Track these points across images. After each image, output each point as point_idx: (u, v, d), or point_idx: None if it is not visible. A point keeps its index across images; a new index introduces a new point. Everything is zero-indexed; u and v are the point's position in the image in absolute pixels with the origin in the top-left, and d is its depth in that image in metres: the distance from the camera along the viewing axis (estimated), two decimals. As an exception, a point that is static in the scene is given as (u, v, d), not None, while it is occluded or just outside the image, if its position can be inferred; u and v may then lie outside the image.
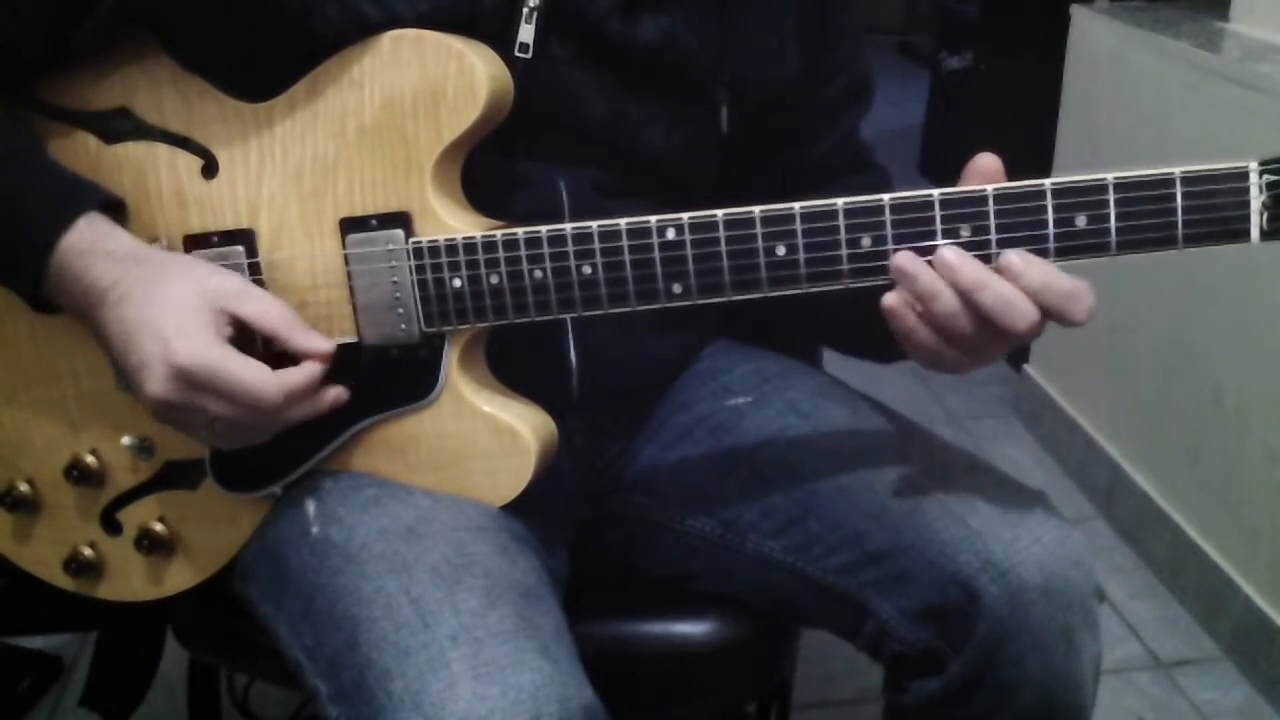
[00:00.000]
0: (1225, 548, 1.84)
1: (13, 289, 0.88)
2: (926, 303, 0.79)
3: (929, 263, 0.79)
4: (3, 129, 0.87)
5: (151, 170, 0.89)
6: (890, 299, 0.80)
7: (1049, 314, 0.78)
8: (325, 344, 0.85)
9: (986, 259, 0.79)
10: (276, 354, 0.84)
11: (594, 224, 0.83)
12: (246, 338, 0.84)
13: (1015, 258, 0.78)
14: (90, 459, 0.94)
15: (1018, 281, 0.78)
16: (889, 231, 0.80)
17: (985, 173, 0.80)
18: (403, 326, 0.87)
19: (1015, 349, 0.82)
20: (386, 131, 0.85)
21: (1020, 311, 0.77)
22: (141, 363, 0.80)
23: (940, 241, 0.79)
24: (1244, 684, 1.76)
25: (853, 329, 0.96)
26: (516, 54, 0.88)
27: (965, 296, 0.78)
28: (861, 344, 1.00)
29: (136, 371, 0.81)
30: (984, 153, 0.81)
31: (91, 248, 0.83)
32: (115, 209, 0.87)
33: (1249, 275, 1.71)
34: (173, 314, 0.81)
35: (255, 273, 0.88)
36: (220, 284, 0.83)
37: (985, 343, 0.80)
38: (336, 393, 0.87)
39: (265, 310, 0.84)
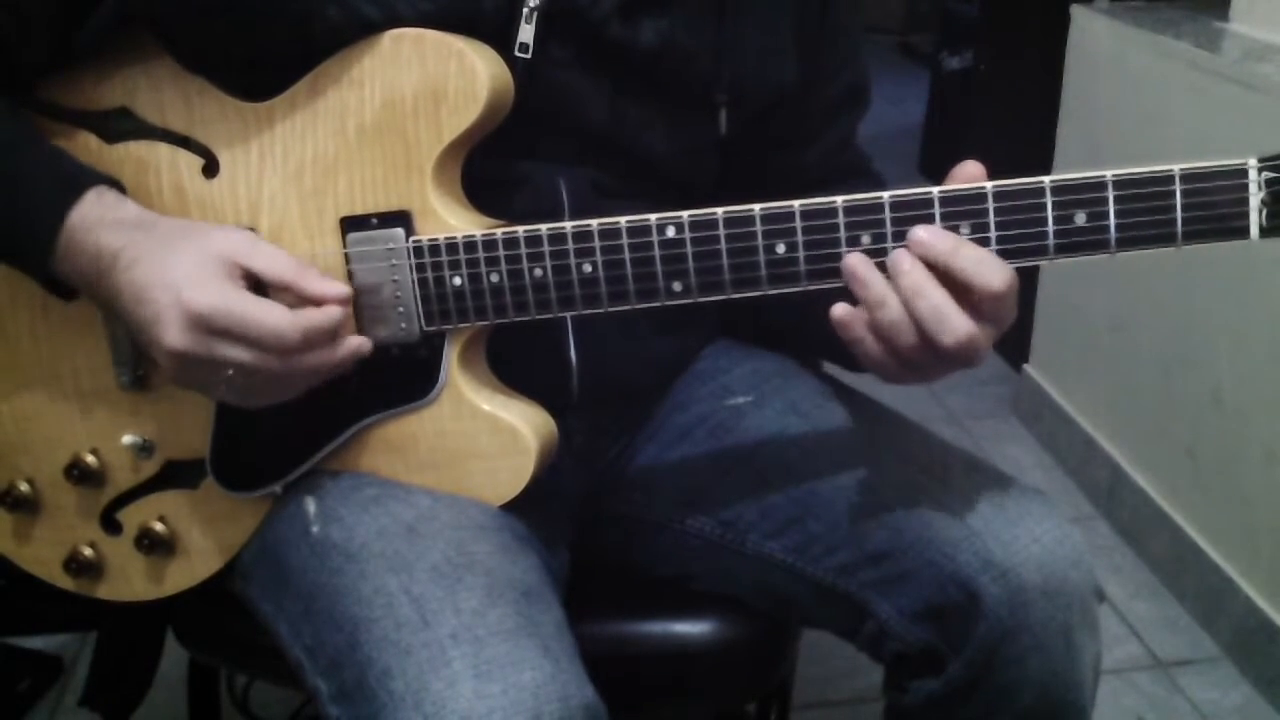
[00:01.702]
0: (1225, 548, 1.84)
1: (24, 269, 0.87)
2: (873, 310, 0.79)
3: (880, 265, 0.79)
4: (5, 119, 0.87)
5: (152, 170, 0.89)
6: (839, 310, 0.80)
7: (967, 286, 0.77)
8: (340, 287, 0.84)
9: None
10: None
11: (594, 222, 0.83)
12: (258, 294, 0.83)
13: (923, 232, 0.78)
14: (90, 458, 0.94)
15: (929, 252, 0.77)
16: (889, 229, 0.80)
17: (968, 180, 0.80)
18: (403, 325, 0.87)
19: (961, 365, 0.81)
20: (387, 131, 0.85)
21: (952, 324, 0.77)
22: (156, 315, 0.80)
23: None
24: (1244, 684, 1.75)
25: (823, 338, 0.95)
26: (516, 54, 0.88)
27: (906, 304, 0.78)
28: (833, 351, 0.99)
29: (151, 326, 0.80)
30: (969, 160, 0.81)
31: (100, 219, 0.83)
32: (119, 192, 0.87)
33: (1249, 275, 1.71)
34: (184, 268, 0.80)
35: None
36: (229, 239, 0.83)
37: (927, 357, 0.80)
38: (358, 342, 0.85)
39: (275, 261, 0.83)
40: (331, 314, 0.83)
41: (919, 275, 0.78)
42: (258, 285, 0.83)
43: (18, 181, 0.84)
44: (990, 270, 0.77)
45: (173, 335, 0.79)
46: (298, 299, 0.83)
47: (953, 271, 0.77)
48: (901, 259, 0.78)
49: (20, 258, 0.87)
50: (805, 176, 1.03)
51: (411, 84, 0.84)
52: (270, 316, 0.80)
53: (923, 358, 0.79)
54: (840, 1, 1.00)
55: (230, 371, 0.81)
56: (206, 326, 0.79)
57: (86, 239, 0.83)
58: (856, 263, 0.79)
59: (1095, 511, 2.19)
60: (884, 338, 0.79)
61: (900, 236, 0.79)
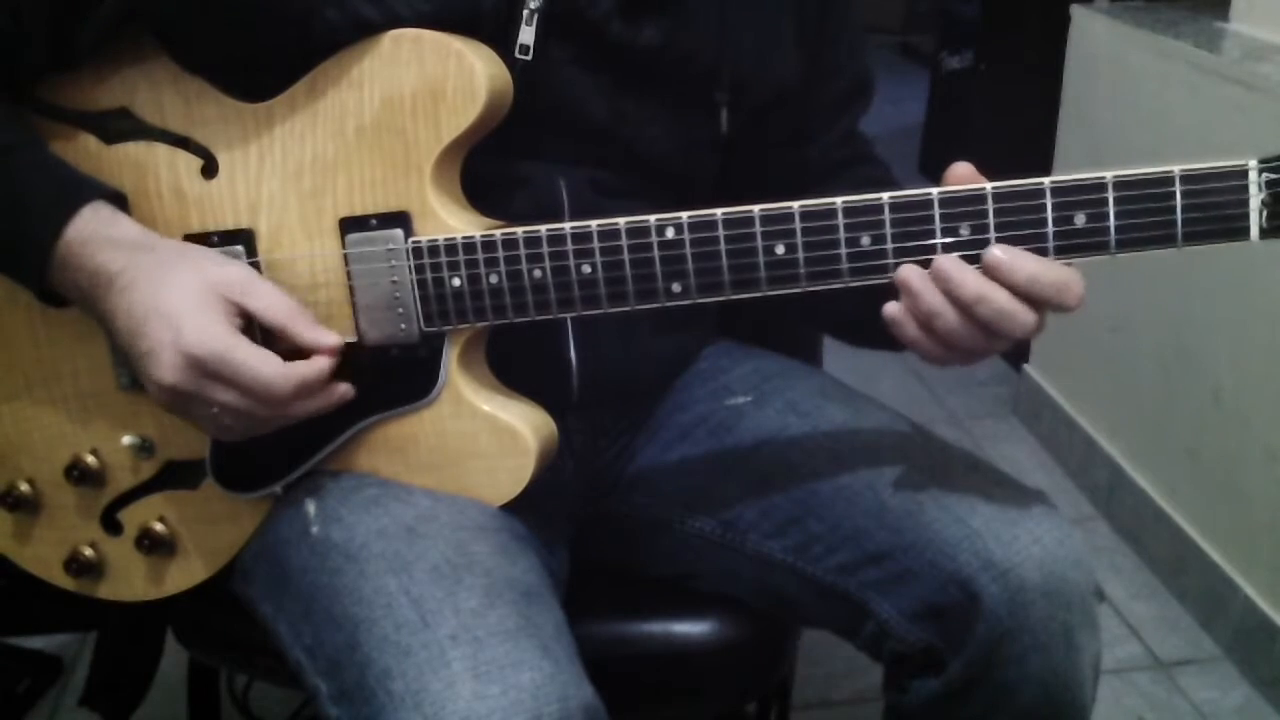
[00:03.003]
0: (1225, 548, 1.83)
1: (19, 281, 0.87)
2: (928, 320, 0.79)
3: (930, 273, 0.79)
4: (3, 124, 0.87)
5: (151, 170, 0.89)
6: (891, 309, 0.81)
7: (1042, 306, 0.79)
8: (333, 338, 0.85)
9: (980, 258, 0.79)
10: (279, 350, 0.84)
11: (593, 223, 0.83)
12: (247, 331, 0.83)
13: (1001, 254, 0.78)
14: (90, 459, 0.94)
15: (1008, 278, 0.78)
16: (888, 230, 0.80)
17: (960, 181, 0.80)
18: (402, 326, 0.87)
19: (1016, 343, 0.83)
20: (386, 131, 0.85)
21: (1020, 321, 0.78)
22: (152, 350, 0.80)
23: (939, 240, 0.79)
24: (1244, 684, 1.75)
25: (855, 323, 0.96)
26: (517, 55, 0.88)
27: (965, 310, 0.78)
28: (867, 336, 1.00)
29: (146, 358, 0.81)
30: (959, 162, 0.81)
31: (95, 235, 0.83)
32: (117, 202, 0.87)
33: (1248, 275, 1.71)
34: (182, 302, 0.80)
35: (255, 273, 0.88)
36: (227, 275, 0.83)
37: (986, 347, 0.81)
38: (344, 389, 0.86)
39: (272, 303, 0.83)
40: (321, 366, 0.84)
41: (973, 281, 0.78)
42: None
43: (14, 191, 0.85)
44: (1068, 295, 0.78)
45: (166, 372, 0.80)
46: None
47: (1032, 297, 0.78)
48: (946, 265, 0.78)
49: (14, 269, 0.87)
50: (808, 172, 1.04)
51: (410, 84, 0.84)
52: (264, 369, 0.81)
53: (981, 346, 0.80)
54: None
55: (216, 410, 0.82)
56: (200, 368, 0.80)
57: (83, 252, 0.83)
58: (910, 275, 0.79)
59: (1095, 512, 2.19)
60: (942, 340, 0.80)
61: (899, 238, 0.79)
